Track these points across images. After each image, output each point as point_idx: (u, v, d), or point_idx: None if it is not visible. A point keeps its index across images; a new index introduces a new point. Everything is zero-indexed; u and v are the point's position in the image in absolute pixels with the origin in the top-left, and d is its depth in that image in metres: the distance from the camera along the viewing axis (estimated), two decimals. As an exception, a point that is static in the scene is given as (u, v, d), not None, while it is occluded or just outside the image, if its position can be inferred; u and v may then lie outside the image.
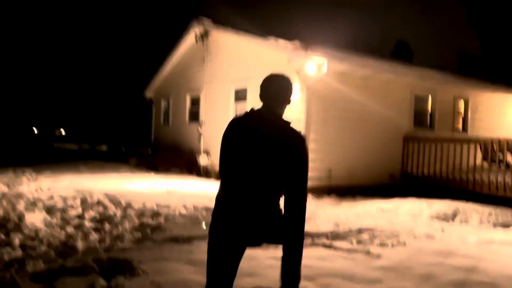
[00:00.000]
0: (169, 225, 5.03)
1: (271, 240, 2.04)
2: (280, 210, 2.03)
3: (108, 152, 21.58)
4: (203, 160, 11.72)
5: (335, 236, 4.88)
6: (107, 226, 4.84)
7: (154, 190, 8.01)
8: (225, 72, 11.18)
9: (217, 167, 11.74)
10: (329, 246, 4.39)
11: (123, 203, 6.25)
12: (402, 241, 4.70)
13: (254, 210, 1.96)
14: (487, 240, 5.00)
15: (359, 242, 4.64)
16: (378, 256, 4.09)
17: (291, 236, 1.96)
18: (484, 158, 9.98)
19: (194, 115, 13.05)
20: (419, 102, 10.68)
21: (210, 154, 11.70)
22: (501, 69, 22.10)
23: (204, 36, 12.09)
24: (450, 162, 9.23)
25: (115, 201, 6.37)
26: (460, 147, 9.29)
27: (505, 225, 6.03)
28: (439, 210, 6.59)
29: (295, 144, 1.98)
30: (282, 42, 8.56)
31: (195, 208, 6.26)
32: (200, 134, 12.14)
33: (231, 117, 11.19)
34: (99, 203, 6.22)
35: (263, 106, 2.12)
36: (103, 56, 40.53)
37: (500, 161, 9.39)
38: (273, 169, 1.96)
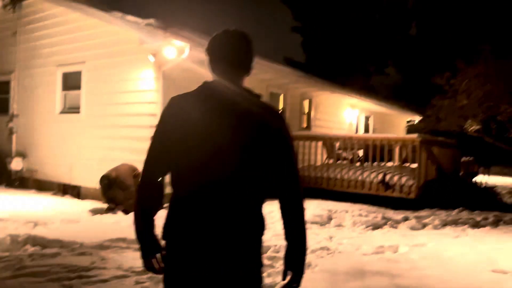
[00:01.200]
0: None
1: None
2: (261, 242, 1.55)
3: None
4: (16, 165, 8.97)
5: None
6: None
7: None
8: (49, 52, 8.72)
9: (36, 174, 9.24)
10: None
11: None
12: (307, 262, 3.94)
13: (233, 231, 1.47)
14: (377, 247, 4.71)
15: (260, 270, 3.67)
16: (298, 292, 3.20)
17: (298, 230, 1.54)
18: (329, 155, 10.45)
19: (2, 105, 9.96)
20: (273, 99, 10.48)
21: (27, 157, 9.03)
22: (323, 76, 24.74)
23: (16, 2, 9.24)
24: (304, 160, 9.22)
25: None
26: (313, 144, 9.41)
27: (377, 226, 6.02)
28: (315, 213, 6.21)
29: (278, 122, 1.55)
30: (132, 18, 6.96)
31: (13, 240, 4.22)
32: (11, 131, 9.28)
33: (57, 109, 8.61)
34: None
35: (221, 75, 1.58)
36: None
37: (344, 158, 9.91)
38: (257, 157, 1.50)
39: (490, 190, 11.77)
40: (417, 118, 19.32)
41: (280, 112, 1.62)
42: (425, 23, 26.92)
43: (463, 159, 11.94)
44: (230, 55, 1.59)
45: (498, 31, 16.62)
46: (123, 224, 5.26)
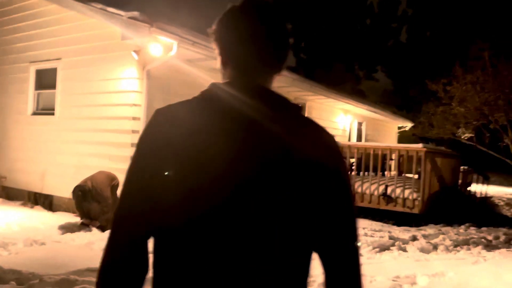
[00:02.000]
0: None
1: None
2: None
3: None
4: (-18, 172, 8.11)
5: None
6: None
7: None
8: (22, 47, 7.92)
9: (5, 181, 8.29)
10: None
11: None
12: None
13: None
14: (393, 278, 4.11)
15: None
16: None
17: None
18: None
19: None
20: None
21: (-5, 162, 8.19)
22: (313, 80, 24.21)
23: (-14, -9, 8.41)
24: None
25: None
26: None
27: (385, 248, 5.42)
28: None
29: (333, 157, 0.93)
30: (113, 10, 6.24)
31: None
32: (-22, 133, 8.42)
33: (29, 110, 7.60)
34: None
35: (237, 75, 0.95)
36: None
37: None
38: (301, 215, 0.89)
39: (488, 202, 11.37)
40: (408, 124, 18.92)
41: (330, 135, 0.98)
42: (416, 29, 26.75)
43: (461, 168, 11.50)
44: (252, 43, 0.95)
45: (496, 33, 16.35)
46: (96, 246, 4.53)
